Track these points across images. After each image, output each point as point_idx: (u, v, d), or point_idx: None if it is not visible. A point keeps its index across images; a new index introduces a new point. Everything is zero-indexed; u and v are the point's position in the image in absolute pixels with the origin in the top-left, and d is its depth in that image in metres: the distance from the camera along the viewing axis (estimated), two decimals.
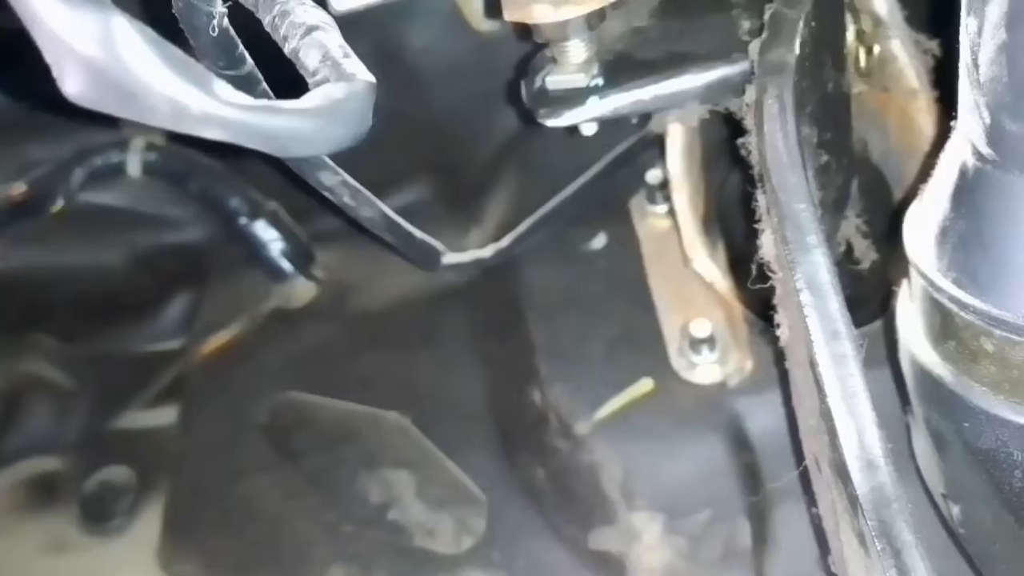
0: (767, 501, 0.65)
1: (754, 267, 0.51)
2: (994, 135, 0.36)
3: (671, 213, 0.75)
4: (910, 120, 0.58)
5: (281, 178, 0.94)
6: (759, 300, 0.70)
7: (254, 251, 0.93)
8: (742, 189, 0.71)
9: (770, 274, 0.46)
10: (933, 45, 0.57)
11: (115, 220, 0.94)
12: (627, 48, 0.54)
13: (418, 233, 0.73)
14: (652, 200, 0.74)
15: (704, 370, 0.68)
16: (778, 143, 0.43)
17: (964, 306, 0.39)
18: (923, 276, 0.43)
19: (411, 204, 0.89)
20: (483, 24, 0.80)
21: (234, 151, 0.29)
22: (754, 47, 0.47)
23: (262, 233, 0.93)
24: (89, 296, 0.94)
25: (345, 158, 0.76)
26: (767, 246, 0.45)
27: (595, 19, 0.51)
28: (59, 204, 0.87)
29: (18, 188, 0.85)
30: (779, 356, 0.61)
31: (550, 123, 0.51)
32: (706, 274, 0.69)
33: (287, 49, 0.33)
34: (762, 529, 0.64)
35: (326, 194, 0.58)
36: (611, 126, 0.55)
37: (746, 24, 0.52)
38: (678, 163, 0.68)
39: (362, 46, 0.84)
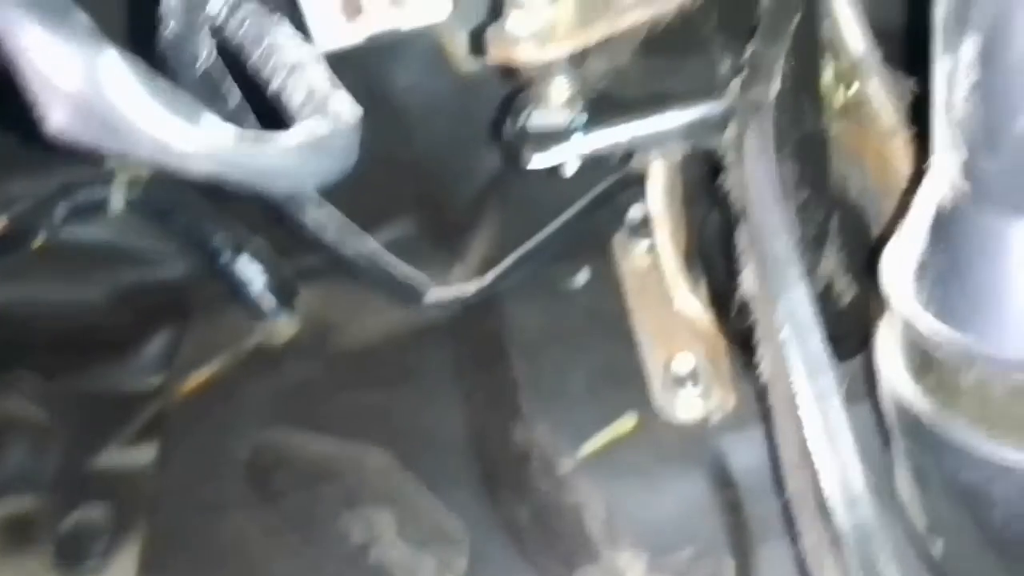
0: (751, 538, 0.64)
1: (736, 303, 0.51)
2: (969, 172, 0.37)
3: (653, 250, 0.76)
4: (886, 159, 0.59)
5: (265, 212, 0.95)
6: (742, 336, 0.70)
7: (236, 287, 0.93)
8: (723, 226, 0.72)
9: (751, 311, 0.46)
10: (910, 83, 0.58)
11: (97, 256, 0.93)
12: (609, 87, 0.54)
13: (402, 268, 0.73)
14: (634, 237, 0.74)
15: (687, 406, 0.68)
16: (759, 179, 0.44)
17: (942, 341, 0.40)
18: (902, 312, 0.43)
19: (394, 241, 0.89)
20: (467, 64, 0.80)
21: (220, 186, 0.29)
22: (735, 85, 0.48)
23: (245, 269, 0.93)
24: (69, 332, 0.93)
25: (329, 195, 0.76)
26: (748, 283, 0.46)
27: (578, 58, 0.51)
28: (41, 239, 0.87)
29: None
30: (762, 392, 0.61)
31: (532, 163, 0.51)
32: (688, 310, 0.70)
33: (272, 87, 0.34)
34: (746, 566, 0.64)
35: (310, 229, 0.58)
36: (593, 165, 0.56)
37: (727, 63, 0.53)
38: (659, 200, 0.68)
39: (345, 84, 0.85)
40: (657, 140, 0.52)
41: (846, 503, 0.40)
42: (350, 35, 0.69)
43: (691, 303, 0.69)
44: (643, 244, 0.73)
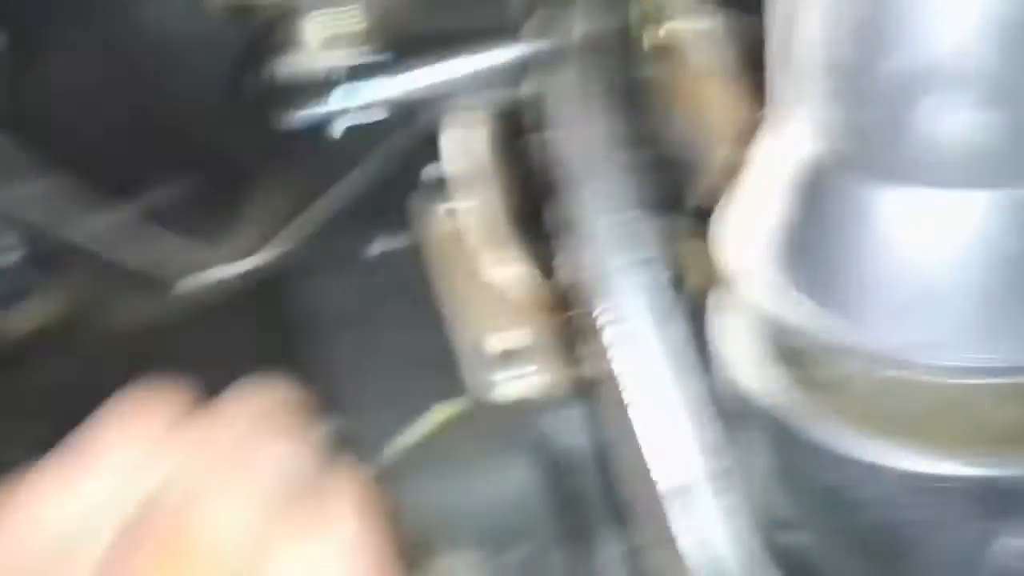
0: (588, 528, 0.59)
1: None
2: (831, 128, 0.30)
3: (454, 213, 0.68)
4: (701, 106, 0.52)
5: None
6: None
7: None
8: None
9: (574, 299, 0.39)
10: (746, 23, 0.51)
11: None
12: (379, 24, 0.44)
13: (161, 246, 0.61)
14: (432, 199, 0.65)
15: (506, 387, 0.60)
16: (577, 140, 0.36)
17: (801, 329, 0.33)
18: (747, 292, 0.36)
19: (158, 212, 0.76)
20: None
21: None
22: (532, 26, 0.39)
23: None
24: None
25: (70, 160, 0.63)
26: (568, 270, 0.38)
27: None
28: None
29: None
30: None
31: (285, 124, 0.41)
32: (501, 281, 0.62)
33: None
34: (584, 557, 0.59)
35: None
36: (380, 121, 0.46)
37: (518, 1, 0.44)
38: (458, 159, 0.59)
39: (80, 22, 0.70)
40: (440, 92, 0.43)
41: (682, 494, 0.37)
42: None
43: (500, 273, 0.61)
44: (444, 207, 0.64)
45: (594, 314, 0.39)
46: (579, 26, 0.37)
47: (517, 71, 0.42)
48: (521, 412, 0.61)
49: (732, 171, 0.39)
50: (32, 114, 0.56)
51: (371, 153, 0.64)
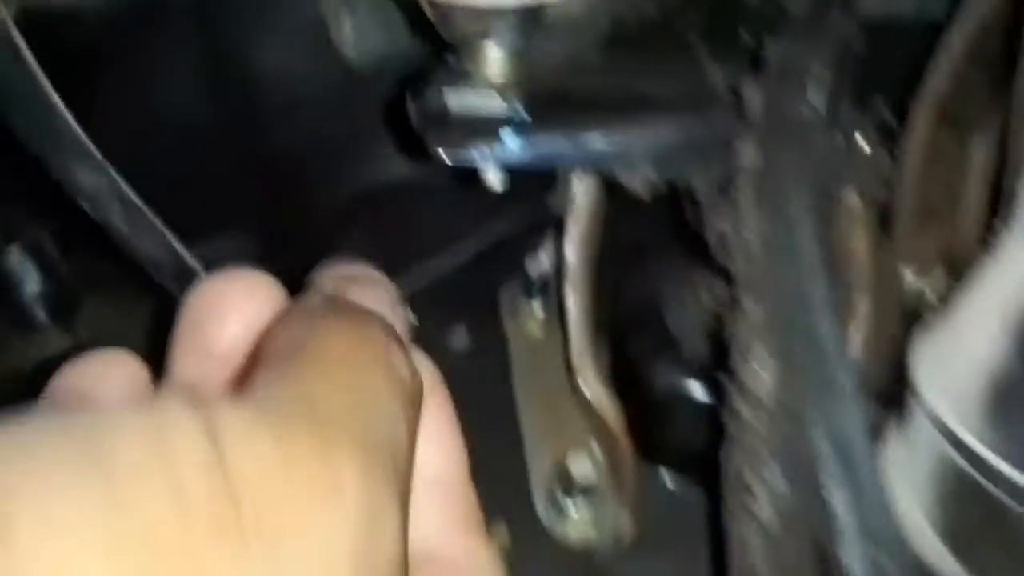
0: None
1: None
2: None
3: (550, 314, 0.61)
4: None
5: (57, 196, 0.74)
6: (648, 438, 0.56)
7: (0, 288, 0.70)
8: (648, 292, 0.58)
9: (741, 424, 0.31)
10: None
11: None
12: (561, 82, 0.39)
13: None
14: (528, 294, 0.59)
15: (575, 523, 0.52)
16: (794, 228, 0.30)
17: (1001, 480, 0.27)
18: (942, 428, 0.30)
19: (225, 259, 0.70)
20: (352, 54, 0.64)
21: None
22: (751, 94, 0.34)
23: (15, 267, 0.72)
24: None
25: (151, 185, 0.58)
26: (750, 384, 0.31)
27: (530, 22, 0.36)
28: None
29: None
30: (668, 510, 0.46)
31: (446, 155, 0.36)
32: (593, 397, 0.55)
33: None
34: None
35: (81, 202, 0.38)
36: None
37: (719, 75, 0.39)
38: (578, 251, 0.53)
39: (193, 53, 0.66)
40: (622, 157, 0.38)
41: None
42: None
43: (596, 389, 0.54)
44: (539, 306, 0.57)
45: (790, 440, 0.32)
46: (823, 97, 0.32)
47: (708, 147, 0.37)
48: (586, 554, 0.52)
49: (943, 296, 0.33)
50: (131, 142, 0.51)
51: (473, 227, 0.59)
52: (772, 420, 0.31)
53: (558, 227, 0.59)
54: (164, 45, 0.63)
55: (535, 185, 0.54)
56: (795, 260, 0.30)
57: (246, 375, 0.28)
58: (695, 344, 0.55)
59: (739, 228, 0.32)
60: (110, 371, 0.34)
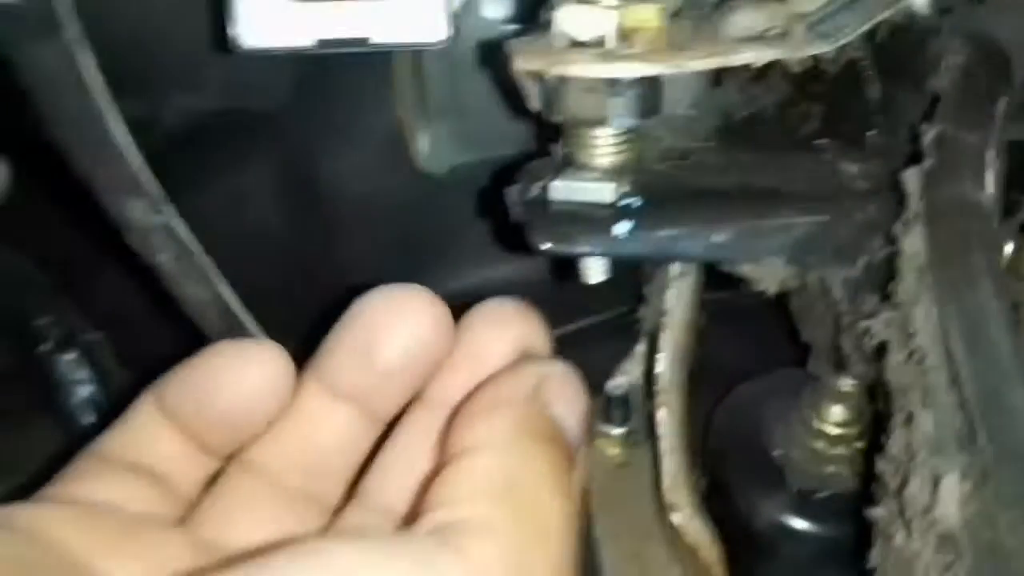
0: None
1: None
2: None
3: (634, 439, 0.57)
4: None
5: (116, 302, 0.72)
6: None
7: (51, 391, 0.67)
8: (748, 413, 0.53)
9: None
10: None
11: None
12: (673, 170, 0.36)
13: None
14: (608, 418, 0.54)
15: None
16: (984, 320, 0.25)
17: None
18: None
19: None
20: (428, 160, 0.62)
21: None
22: (912, 179, 0.30)
23: (67, 370, 0.69)
24: None
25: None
26: (929, 500, 0.25)
27: (651, 101, 0.33)
28: None
29: None
30: None
31: (548, 248, 0.32)
32: (686, 530, 0.49)
33: None
34: None
35: (130, 242, 0.36)
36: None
37: (851, 168, 0.36)
38: (671, 366, 0.49)
39: (271, 160, 0.65)
40: (750, 251, 0.34)
41: None
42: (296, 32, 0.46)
43: (689, 520, 0.48)
44: (618, 430, 0.57)
45: None
46: (991, 180, 0.28)
47: (847, 242, 0.32)
48: None
49: None
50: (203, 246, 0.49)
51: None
52: (946, 549, 0.26)
53: (647, 340, 0.55)
54: (240, 154, 0.62)
55: (614, 292, 0.50)
56: (988, 358, 0.25)
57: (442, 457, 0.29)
58: (801, 470, 0.50)
59: (903, 325, 0.28)
60: (255, 361, 0.33)
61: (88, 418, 0.69)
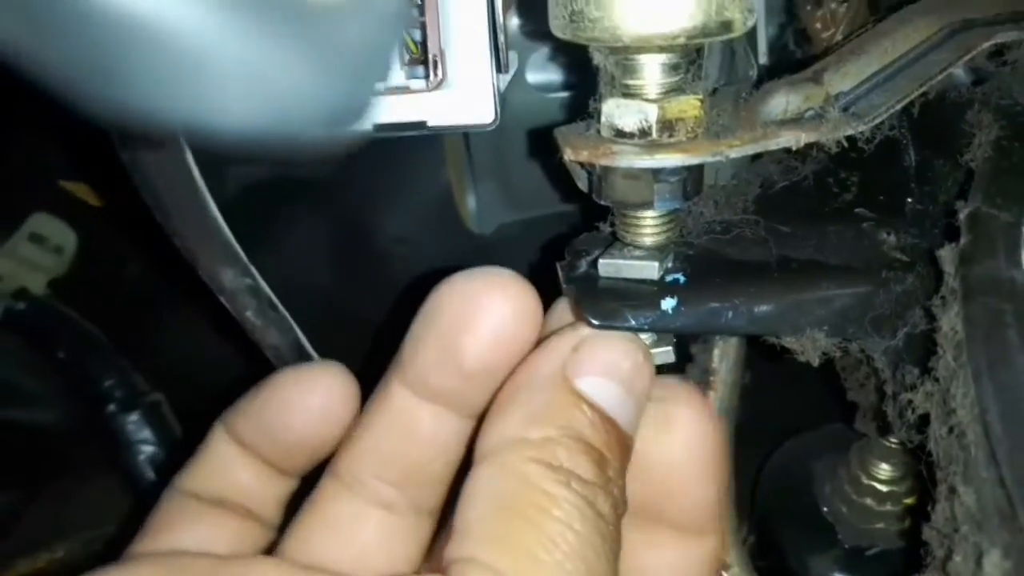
0: None
1: None
2: None
3: None
4: None
5: (178, 364, 0.74)
6: None
7: (116, 451, 0.70)
8: (797, 472, 0.54)
9: None
10: None
11: None
12: (715, 244, 0.37)
13: None
14: None
15: None
16: (1016, 400, 0.26)
17: None
18: None
19: None
20: (477, 221, 0.64)
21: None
22: (947, 257, 0.31)
23: (132, 429, 0.71)
24: None
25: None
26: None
27: (693, 185, 0.35)
28: None
29: None
30: None
31: (599, 324, 0.33)
32: None
33: None
34: None
35: (220, 298, 0.40)
36: None
37: (889, 239, 0.37)
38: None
39: (325, 218, 0.67)
40: (791, 324, 0.35)
41: None
42: None
43: None
44: None
45: None
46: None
47: (886, 313, 0.33)
48: None
49: None
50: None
51: None
52: None
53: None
54: (295, 217, 0.65)
55: None
56: None
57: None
58: (851, 527, 0.51)
59: (943, 400, 0.29)
60: (319, 382, 0.34)
61: (150, 475, 0.71)
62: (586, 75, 0.47)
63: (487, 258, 0.67)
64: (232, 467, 0.36)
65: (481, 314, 0.32)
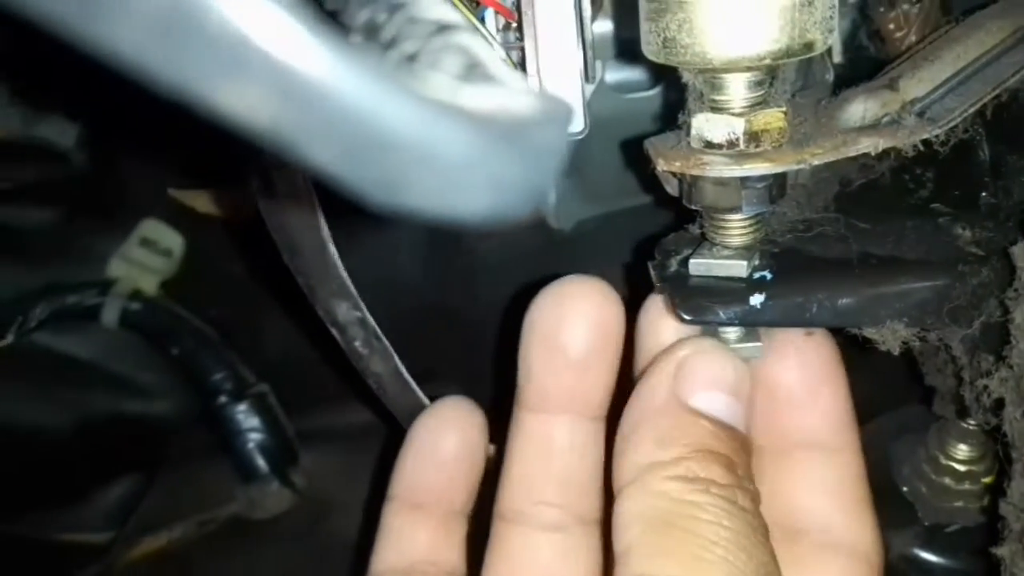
0: None
1: None
2: None
3: None
4: None
5: (281, 356, 0.79)
6: None
7: (226, 439, 0.74)
8: (877, 453, 0.55)
9: None
10: None
11: (71, 372, 0.77)
12: (798, 242, 0.40)
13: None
14: None
15: None
16: None
17: None
18: None
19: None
20: (556, 217, 0.67)
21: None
22: (1020, 252, 0.34)
23: (241, 419, 0.76)
24: (15, 458, 0.76)
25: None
26: None
27: (778, 189, 0.37)
28: (7, 339, 0.71)
29: None
30: None
31: (692, 319, 0.36)
32: None
33: (396, 56, 0.19)
34: None
35: (332, 330, 0.44)
36: None
37: (965, 233, 0.39)
38: None
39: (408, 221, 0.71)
40: (873, 316, 0.38)
41: None
42: None
43: None
44: None
45: None
46: None
47: (965, 306, 0.36)
48: None
49: None
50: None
51: None
52: None
53: None
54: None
55: None
56: None
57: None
58: (930, 505, 0.52)
59: (1018, 386, 0.31)
60: (449, 419, 0.38)
61: (259, 461, 0.76)
62: (660, 77, 0.49)
63: (568, 253, 0.70)
64: (410, 534, 0.39)
65: (571, 309, 0.36)
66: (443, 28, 0.17)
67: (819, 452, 0.36)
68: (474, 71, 0.16)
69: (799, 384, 0.36)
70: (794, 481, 0.35)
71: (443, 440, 0.38)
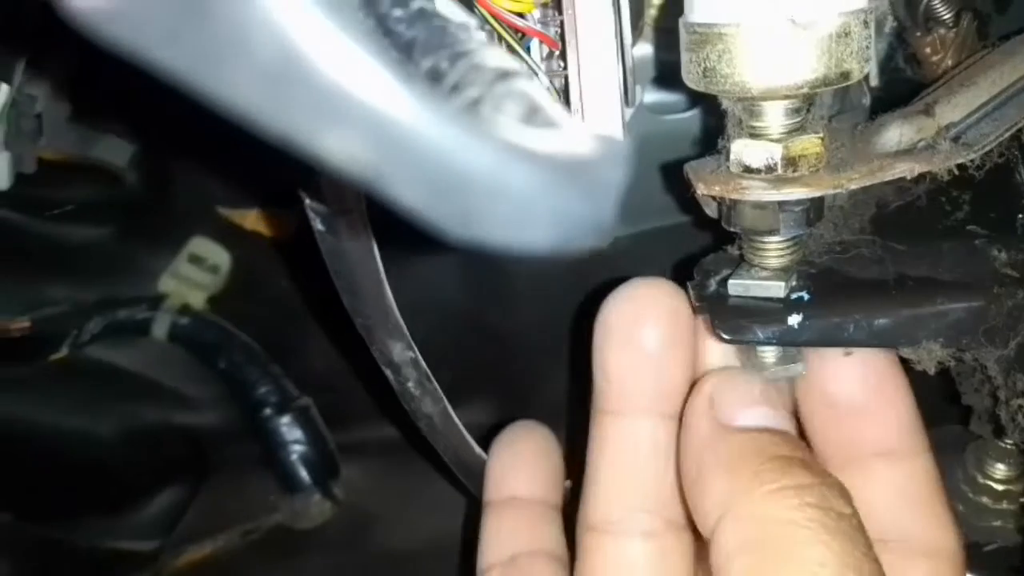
0: None
1: None
2: None
3: None
4: None
5: (323, 370, 0.81)
6: None
7: (270, 451, 0.77)
8: None
9: None
10: None
11: (122, 385, 0.79)
12: (835, 263, 0.41)
13: (479, 452, 0.58)
14: None
15: None
16: None
17: None
18: None
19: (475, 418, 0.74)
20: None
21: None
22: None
23: (285, 431, 0.78)
24: (65, 467, 0.78)
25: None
26: None
27: (816, 213, 0.38)
28: (62, 352, 0.73)
29: (19, 324, 0.71)
30: None
31: (731, 339, 0.37)
32: None
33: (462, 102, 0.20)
34: None
35: (386, 371, 0.45)
36: None
37: (1001, 255, 0.40)
38: None
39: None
40: (908, 335, 0.38)
41: None
42: None
43: None
44: None
45: None
46: None
47: (1001, 328, 0.36)
48: None
49: None
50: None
51: None
52: None
53: None
54: (431, 240, 0.70)
55: None
56: None
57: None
58: (968, 524, 0.53)
59: None
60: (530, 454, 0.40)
61: (302, 472, 0.78)
62: (697, 100, 0.50)
63: (608, 270, 0.71)
64: (510, 528, 0.41)
65: (645, 305, 0.37)
66: (504, 75, 0.18)
67: (891, 459, 0.36)
68: (536, 115, 0.17)
69: (863, 392, 0.36)
70: (870, 491, 0.35)
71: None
